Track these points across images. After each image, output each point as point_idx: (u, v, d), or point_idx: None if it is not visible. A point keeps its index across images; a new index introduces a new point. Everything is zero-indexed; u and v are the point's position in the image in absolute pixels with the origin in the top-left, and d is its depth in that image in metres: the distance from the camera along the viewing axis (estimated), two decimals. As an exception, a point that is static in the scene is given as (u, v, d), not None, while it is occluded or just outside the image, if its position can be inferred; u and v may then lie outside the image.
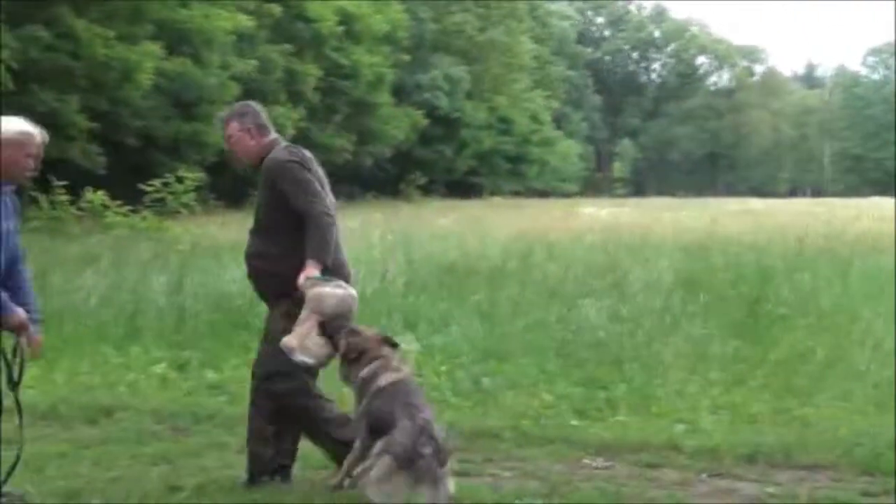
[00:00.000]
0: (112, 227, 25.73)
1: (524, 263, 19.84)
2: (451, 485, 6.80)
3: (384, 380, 7.13)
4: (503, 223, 34.46)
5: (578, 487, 7.68)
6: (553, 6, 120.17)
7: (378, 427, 6.96)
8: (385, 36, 64.33)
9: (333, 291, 7.31)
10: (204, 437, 9.10)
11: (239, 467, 7.99)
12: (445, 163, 76.45)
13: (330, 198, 7.65)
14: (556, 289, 16.73)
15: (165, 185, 27.97)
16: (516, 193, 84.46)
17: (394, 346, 7.43)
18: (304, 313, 7.21)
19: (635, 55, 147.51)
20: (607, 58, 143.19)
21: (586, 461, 8.52)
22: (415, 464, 6.58)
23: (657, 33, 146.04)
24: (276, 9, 51.22)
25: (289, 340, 7.20)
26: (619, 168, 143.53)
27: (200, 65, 43.74)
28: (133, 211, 27.02)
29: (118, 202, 26.14)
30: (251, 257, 7.71)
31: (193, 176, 29.06)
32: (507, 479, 8.00)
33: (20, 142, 6.88)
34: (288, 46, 52.74)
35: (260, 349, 7.82)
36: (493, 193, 75.35)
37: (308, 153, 7.77)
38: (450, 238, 25.84)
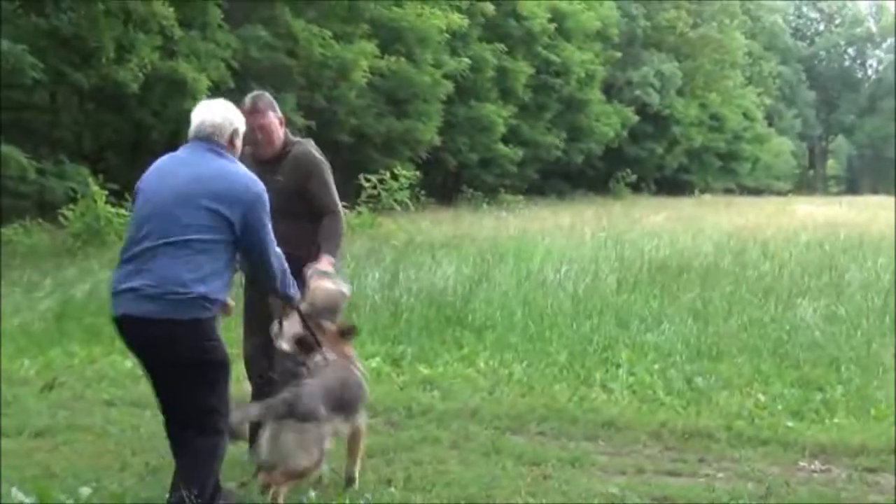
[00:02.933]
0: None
1: (738, 261, 19.63)
2: None
3: None
4: (715, 221, 34.14)
5: (795, 490, 7.59)
6: (766, 3, 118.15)
7: None
8: (596, 33, 64.25)
9: (325, 286, 7.54)
10: (417, 431, 9.22)
11: (451, 462, 8.09)
12: (656, 160, 75.84)
13: None
14: (770, 288, 16.50)
15: (381, 181, 28.53)
16: (728, 191, 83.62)
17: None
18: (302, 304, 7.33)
19: (851, 50, 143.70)
20: (822, 53, 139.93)
21: (802, 464, 8.40)
22: None
23: (874, 28, 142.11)
24: (489, 7, 51.39)
25: (275, 325, 7.48)
26: (832, 165, 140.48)
27: (413, 63, 44.30)
28: (348, 207, 27.54)
29: (334, 198, 26.57)
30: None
31: (408, 173, 29.48)
32: (721, 479, 7.93)
33: None
34: (500, 45, 52.93)
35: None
36: (703, 191, 74.53)
37: None
38: (661, 236, 25.67)
